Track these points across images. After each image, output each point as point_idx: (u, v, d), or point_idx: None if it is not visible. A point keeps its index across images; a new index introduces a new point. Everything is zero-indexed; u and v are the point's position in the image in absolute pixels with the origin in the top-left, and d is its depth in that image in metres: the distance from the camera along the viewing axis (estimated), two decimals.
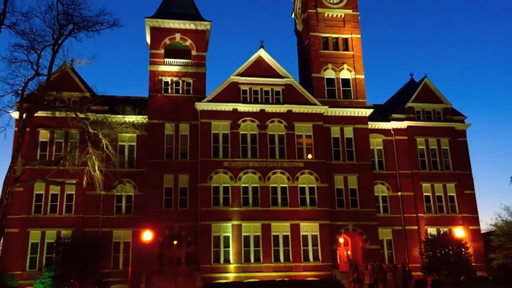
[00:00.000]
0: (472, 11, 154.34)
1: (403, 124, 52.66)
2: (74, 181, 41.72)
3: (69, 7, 35.71)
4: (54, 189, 45.28)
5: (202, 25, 51.32)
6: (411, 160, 51.84)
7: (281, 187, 46.98)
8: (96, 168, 35.32)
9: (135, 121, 44.38)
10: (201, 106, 47.98)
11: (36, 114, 37.06)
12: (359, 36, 53.38)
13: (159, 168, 46.75)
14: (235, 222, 45.22)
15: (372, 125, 51.95)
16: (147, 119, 47.71)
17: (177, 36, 50.78)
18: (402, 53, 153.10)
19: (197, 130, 48.03)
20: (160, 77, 49.13)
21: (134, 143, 48.63)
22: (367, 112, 50.87)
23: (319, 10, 53.37)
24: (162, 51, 50.04)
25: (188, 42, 50.82)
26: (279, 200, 46.63)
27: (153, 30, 50.70)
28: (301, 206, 46.58)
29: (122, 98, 50.67)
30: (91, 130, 36.25)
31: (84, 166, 36.32)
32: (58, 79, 42.64)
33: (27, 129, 39.15)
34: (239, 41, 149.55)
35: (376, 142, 52.30)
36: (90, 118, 37.90)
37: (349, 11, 53.74)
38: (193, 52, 50.61)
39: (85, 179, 36.19)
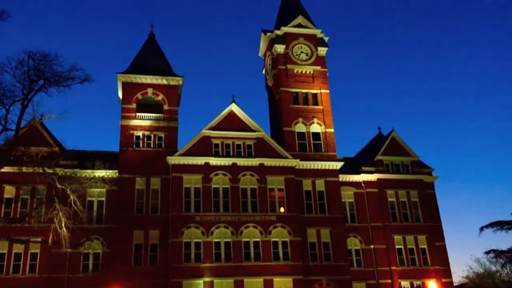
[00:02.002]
0: (436, 68, 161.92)
1: (373, 177, 53.49)
2: (39, 239, 40.21)
3: (41, 62, 35.64)
4: (18, 248, 43.39)
5: (174, 80, 51.99)
6: (383, 213, 52.29)
7: (254, 242, 46.35)
8: (63, 225, 34.15)
9: (105, 176, 43.54)
10: (172, 160, 47.76)
11: (2, 170, 36.03)
12: (327, 91, 54.97)
13: (129, 223, 45.63)
14: (207, 279, 44.01)
15: (343, 178, 52.56)
16: (117, 174, 47.02)
17: (149, 91, 51.18)
18: (370, 108, 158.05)
19: (168, 184, 47.52)
20: (131, 131, 48.98)
21: (103, 198, 47.58)
22: (338, 165, 51.57)
23: (289, 66, 55.03)
24: (134, 105, 50.17)
25: (160, 96, 51.21)
26: (252, 255, 45.87)
27: (125, 85, 51.02)
28: (274, 261, 45.87)
29: (92, 152, 49.99)
30: (59, 186, 35.31)
31: (50, 223, 35.07)
32: (27, 134, 41.95)
33: None
34: (211, 95, 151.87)
35: (348, 195, 52.75)
36: (58, 173, 36.98)
37: (318, 68, 55.57)
38: (165, 107, 50.91)
39: (50, 236, 34.92)
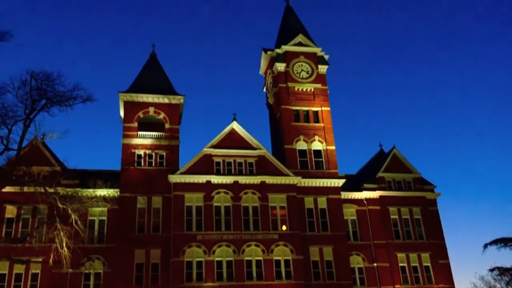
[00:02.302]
0: (437, 84, 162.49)
1: (375, 194, 53.30)
2: (40, 259, 39.96)
3: (43, 82, 36.00)
4: (19, 268, 43.06)
5: (175, 99, 52.24)
6: (385, 230, 51.96)
7: (256, 260, 45.99)
8: (64, 244, 34.06)
9: (107, 195, 43.54)
10: (174, 178, 47.70)
11: (3, 190, 36.04)
12: (328, 108, 55.15)
13: (131, 243, 45.37)
14: None
15: (345, 195, 52.38)
16: (119, 193, 46.94)
17: (151, 109, 51.40)
18: (371, 124, 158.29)
19: (170, 203, 47.38)
20: (133, 150, 49.03)
21: (104, 218, 47.37)
22: (340, 182, 51.46)
23: (290, 84, 55.32)
24: (135, 124, 50.34)
25: (162, 115, 51.41)
26: (254, 274, 45.46)
27: (127, 104, 51.26)
28: (276, 280, 45.44)
29: (93, 171, 49.96)
30: (60, 205, 35.31)
31: (51, 243, 35.00)
32: (29, 153, 42.10)
33: None
34: (212, 113, 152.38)
35: (350, 212, 52.49)
36: (60, 193, 37.06)
37: (318, 86, 55.84)
38: (167, 125, 51.06)
39: (51, 256, 34.80)
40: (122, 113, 52.52)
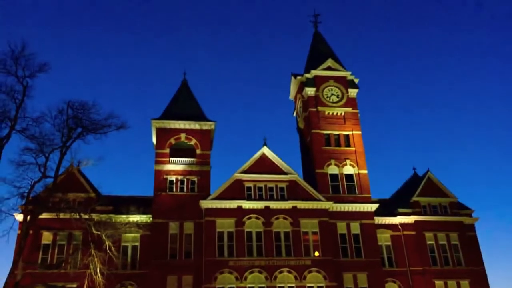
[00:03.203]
0: (472, 104, 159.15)
1: (410, 219, 51.98)
2: (74, 285, 40.53)
3: (79, 111, 37.33)
4: None
5: (206, 125, 52.86)
6: (422, 256, 50.40)
7: (289, 287, 45.24)
8: (98, 270, 34.56)
9: (139, 221, 44.07)
10: (205, 204, 47.85)
11: (40, 216, 36.98)
12: (359, 132, 54.66)
13: (163, 269, 45.44)
14: None
15: (379, 220, 51.30)
16: (151, 218, 47.34)
17: (183, 136, 52.10)
18: (404, 147, 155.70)
19: (201, 228, 47.43)
20: (165, 176, 49.58)
21: (137, 243, 47.67)
22: (373, 207, 50.52)
23: (320, 108, 55.24)
24: (167, 150, 51.04)
25: (193, 141, 52.00)
26: None
27: (159, 130, 52.16)
28: None
29: (126, 197, 50.67)
30: (94, 231, 36.00)
31: (85, 269, 35.57)
32: (65, 180, 43.18)
33: (30, 232, 38.78)
34: (242, 139, 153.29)
35: (384, 238, 51.26)
36: (94, 219, 37.83)
37: (349, 109, 55.56)
38: (198, 151, 51.57)
39: (86, 282, 35.25)
40: (154, 140, 53.42)
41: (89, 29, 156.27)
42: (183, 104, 55.39)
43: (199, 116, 54.17)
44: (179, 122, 52.37)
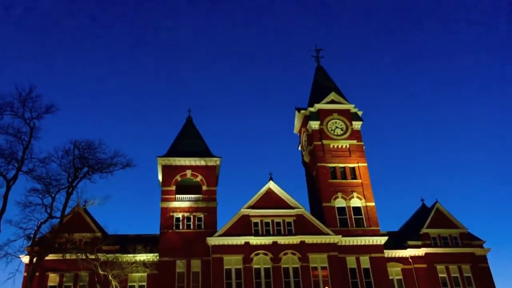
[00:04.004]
0: (475, 134, 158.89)
1: (421, 251, 51.11)
2: None
3: (85, 151, 37.64)
4: None
5: (212, 161, 52.95)
6: None
7: None
8: None
9: (146, 260, 43.60)
10: (212, 241, 47.39)
11: (46, 258, 36.69)
12: (365, 164, 54.53)
13: None
14: None
15: (389, 253, 50.47)
16: (158, 257, 46.79)
17: (188, 172, 52.14)
18: (410, 178, 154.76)
19: (209, 266, 46.81)
20: (171, 213, 49.35)
21: (144, 283, 46.89)
22: (382, 240, 49.83)
23: (325, 142, 55.33)
24: (173, 187, 50.99)
25: (199, 177, 51.97)
26: None
27: (165, 168, 52.25)
28: None
29: (133, 236, 50.33)
30: (101, 272, 35.64)
31: None
32: (71, 220, 43.03)
33: (36, 274, 38.37)
34: (247, 173, 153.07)
35: (395, 271, 50.27)
36: (101, 259, 37.48)
37: (354, 142, 55.61)
38: (204, 187, 51.46)
39: None
40: (160, 177, 53.45)
41: (95, 69, 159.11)
42: (188, 141, 55.70)
43: (205, 152, 54.36)
44: (185, 158, 52.53)
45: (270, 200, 50.35)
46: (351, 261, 48.74)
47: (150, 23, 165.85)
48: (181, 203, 50.03)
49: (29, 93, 37.10)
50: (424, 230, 52.50)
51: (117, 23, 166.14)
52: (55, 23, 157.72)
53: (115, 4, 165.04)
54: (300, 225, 49.07)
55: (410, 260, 50.87)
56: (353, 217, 51.33)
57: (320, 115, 57.16)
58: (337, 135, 56.12)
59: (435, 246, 51.93)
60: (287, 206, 50.17)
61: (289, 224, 49.37)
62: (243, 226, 48.52)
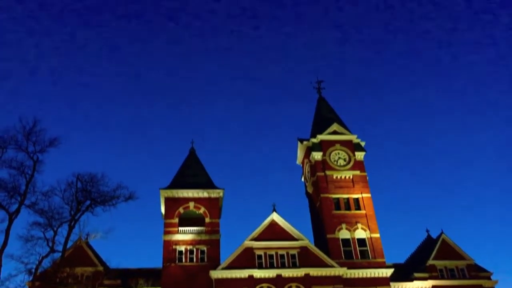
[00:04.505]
0: (479, 164, 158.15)
1: (428, 284, 50.17)
2: None
3: (88, 184, 37.58)
4: None
5: (215, 193, 52.72)
6: None
7: None
8: None
9: None
10: (215, 274, 46.69)
11: None
12: (369, 195, 54.18)
13: None
14: None
15: (395, 285, 49.57)
16: None
17: (191, 204, 51.86)
18: (416, 208, 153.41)
19: None
20: (174, 246, 48.83)
21: None
22: (388, 272, 49.01)
23: (328, 173, 55.18)
24: (176, 220, 50.62)
25: (202, 209, 51.65)
26: None
27: (168, 200, 52.01)
28: None
29: (135, 270, 49.70)
30: None
31: None
32: (72, 254, 42.64)
33: None
34: (250, 205, 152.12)
35: None
36: None
37: (357, 172, 55.45)
38: (207, 220, 51.07)
39: None
40: (163, 210, 53.13)
41: (97, 102, 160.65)
42: (191, 173, 55.62)
43: (207, 184, 54.19)
44: (188, 190, 52.34)
45: (274, 232, 49.86)
46: None
47: (151, 56, 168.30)
48: (184, 235, 49.58)
49: (33, 127, 37.36)
50: (430, 262, 51.69)
51: (119, 56, 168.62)
52: (60, 55, 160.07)
53: (116, 37, 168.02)
54: (305, 257, 48.42)
55: None
56: (358, 248, 50.66)
57: (323, 146, 57.21)
58: (340, 166, 56.01)
59: (442, 278, 51.04)
60: (291, 238, 49.63)
61: (293, 256, 48.73)
62: (247, 259, 47.90)
